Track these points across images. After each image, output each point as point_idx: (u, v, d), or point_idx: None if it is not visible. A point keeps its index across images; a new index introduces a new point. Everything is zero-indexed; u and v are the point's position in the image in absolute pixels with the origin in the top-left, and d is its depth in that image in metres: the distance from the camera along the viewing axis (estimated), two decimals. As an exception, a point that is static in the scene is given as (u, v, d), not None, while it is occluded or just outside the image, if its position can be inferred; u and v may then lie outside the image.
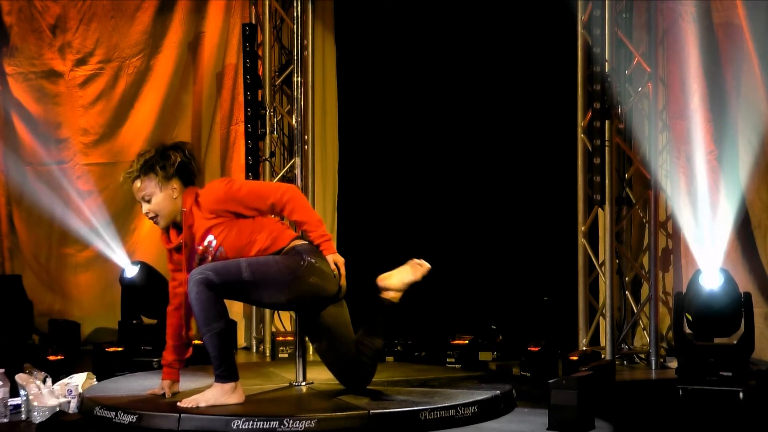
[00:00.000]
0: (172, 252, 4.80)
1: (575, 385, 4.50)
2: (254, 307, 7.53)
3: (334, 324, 4.79)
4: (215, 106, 7.86)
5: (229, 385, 4.59)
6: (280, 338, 7.03)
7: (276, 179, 7.46)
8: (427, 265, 4.90)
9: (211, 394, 4.58)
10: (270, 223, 4.73)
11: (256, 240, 4.64)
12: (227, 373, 4.60)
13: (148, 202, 4.70)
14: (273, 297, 4.64)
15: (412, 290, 4.90)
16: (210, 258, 4.66)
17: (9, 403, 4.75)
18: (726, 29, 6.25)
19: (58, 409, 4.63)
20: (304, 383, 5.13)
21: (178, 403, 4.55)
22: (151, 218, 4.74)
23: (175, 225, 4.75)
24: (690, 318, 5.55)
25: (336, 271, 4.66)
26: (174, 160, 4.67)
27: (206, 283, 4.49)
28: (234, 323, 7.53)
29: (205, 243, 4.65)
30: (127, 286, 6.88)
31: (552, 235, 7.14)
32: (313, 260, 4.63)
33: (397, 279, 4.88)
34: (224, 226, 4.62)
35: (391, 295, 4.88)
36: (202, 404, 4.53)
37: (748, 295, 5.53)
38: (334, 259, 4.66)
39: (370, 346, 4.85)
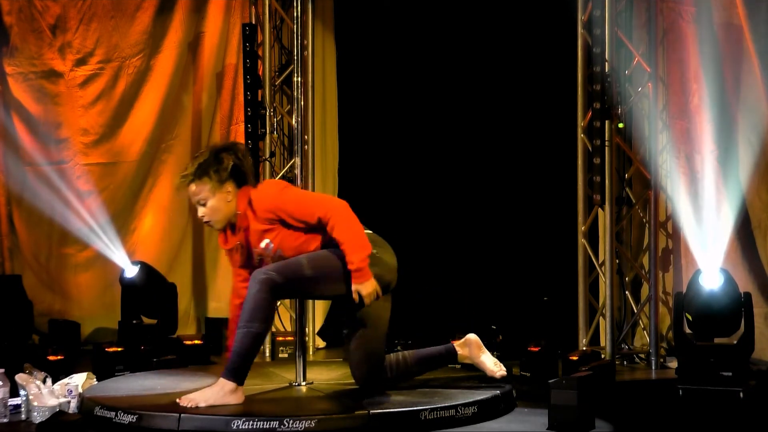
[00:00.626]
0: (231, 251, 4.83)
1: (575, 385, 4.50)
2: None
3: (376, 316, 4.80)
4: (215, 106, 7.85)
5: (231, 385, 4.59)
6: (280, 338, 7.03)
7: (276, 179, 7.46)
8: (504, 372, 5.04)
9: (211, 392, 4.58)
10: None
11: (316, 235, 4.69)
12: (237, 373, 4.60)
13: (203, 205, 4.72)
14: (335, 289, 4.70)
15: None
16: (269, 259, 4.72)
17: (9, 403, 4.75)
18: (726, 29, 6.25)
19: (58, 409, 4.63)
20: (304, 383, 5.13)
21: (178, 400, 4.55)
22: (206, 222, 4.77)
23: (231, 225, 4.78)
24: (690, 318, 5.55)
25: (356, 299, 4.65)
26: (227, 164, 4.69)
27: (270, 284, 4.55)
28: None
29: (262, 245, 4.72)
30: (127, 286, 6.88)
31: (552, 235, 7.14)
32: (374, 251, 4.69)
33: (487, 358, 5.03)
34: (279, 230, 4.69)
35: (463, 355, 5.02)
36: (202, 404, 4.53)
37: (748, 295, 5.53)
38: (357, 288, 4.63)
39: (404, 369, 4.91)
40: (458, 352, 5.06)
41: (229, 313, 5.07)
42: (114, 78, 7.73)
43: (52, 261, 7.78)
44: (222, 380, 4.61)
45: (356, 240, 4.62)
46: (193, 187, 4.71)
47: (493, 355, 6.59)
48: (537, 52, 7.16)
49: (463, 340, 5.09)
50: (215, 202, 4.69)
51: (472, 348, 5.06)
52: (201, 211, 4.73)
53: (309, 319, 7.33)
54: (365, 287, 4.63)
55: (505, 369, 5.10)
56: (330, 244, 4.70)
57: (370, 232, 4.83)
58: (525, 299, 6.90)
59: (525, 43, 7.21)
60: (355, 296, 4.64)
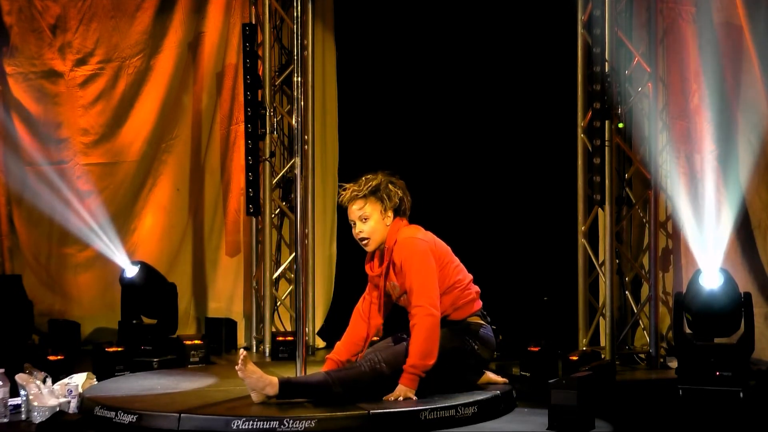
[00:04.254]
0: (374, 278, 5.02)
1: (575, 385, 4.51)
2: (254, 307, 7.54)
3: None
4: (215, 106, 7.85)
5: (273, 392, 4.65)
6: (280, 338, 7.03)
7: (276, 179, 7.46)
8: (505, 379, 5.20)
9: (259, 380, 4.63)
10: (457, 288, 4.94)
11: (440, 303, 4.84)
12: (288, 391, 4.68)
13: (365, 222, 4.89)
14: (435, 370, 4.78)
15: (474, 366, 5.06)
16: (393, 297, 4.98)
17: (9, 403, 4.75)
18: (726, 29, 6.25)
19: (58, 409, 4.63)
20: (304, 383, 5.12)
21: (243, 351, 4.62)
22: (362, 239, 4.94)
23: (380, 253, 4.98)
24: (690, 318, 5.55)
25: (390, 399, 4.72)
26: (396, 194, 4.94)
27: (377, 372, 4.75)
28: (234, 323, 7.58)
29: (392, 284, 4.93)
30: (127, 286, 6.88)
31: (552, 235, 7.14)
32: (476, 347, 4.92)
33: (490, 375, 5.16)
34: None
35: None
36: (241, 374, 4.61)
37: (748, 295, 5.53)
38: (402, 388, 4.70)
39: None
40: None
41: (349, 325, 5.17)
42: (114, 78, 7.73)
43: (52, 261, 7.78)
44: (275, 382, 4.66)
45: (425, 349, 4.71)
46: (361, 203, 4.91)
47: (493, 355, 6.64)
48: (537, 52, 7.16)
49: None
50: (377, 224, 4.90)
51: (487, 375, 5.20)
52: (360, 227, 4.92)
53: (309, 319, 7.33)
54: (406, 392, 4.71)
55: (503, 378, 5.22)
56: (450, 318, 4.89)
57: (486, 326, 5.01)
58: (525, 299, 6.89)
59: (525, 43, 7.20)
60: (395, 393, 4.71)
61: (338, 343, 5.15)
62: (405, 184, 5.06)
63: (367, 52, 7.64)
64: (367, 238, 4.91)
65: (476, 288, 5.06)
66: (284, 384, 4.68)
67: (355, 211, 4.92)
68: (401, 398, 4.67)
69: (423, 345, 4.70)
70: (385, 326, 5.17)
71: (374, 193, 4.91)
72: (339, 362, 5.03)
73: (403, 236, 4.88)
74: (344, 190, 4.99)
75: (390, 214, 4.91)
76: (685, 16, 6.49)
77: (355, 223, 4.94)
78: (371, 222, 4.89)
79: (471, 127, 7.43)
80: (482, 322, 5.00)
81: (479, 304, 5.03)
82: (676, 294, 5.78)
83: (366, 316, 5.09)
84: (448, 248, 5.04)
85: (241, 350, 4.69)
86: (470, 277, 5.06)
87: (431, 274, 4.78)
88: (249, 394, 4.69)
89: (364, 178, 5.01)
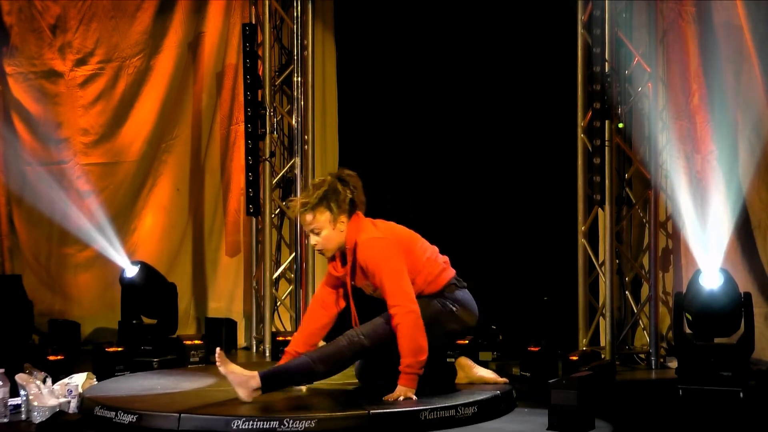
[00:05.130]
0: (340, 277, 4.99)
1: (575, 385, 4.50)
2: (254, 307, 7.54)
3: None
4: (215, 106, 7.86)
5: (257, 384, 4.63)
6: (280, 338, 7.03)
7: (276, 179, 7.46)
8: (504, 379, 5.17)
9: (241, 374, 4.62)
10: (426, 266, 4.91)
11: (416, 281, 4.83)
12: (271, 382, 4.68)
13: (317, 234, 4.84)
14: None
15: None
16: (367, 292, 4.94)
17: (9, 403, 4.74)
18: (726, 29, 6.25)
19: (58, 409, 4.63)
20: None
21: (218, 350, 4.62)
22: (318, 250, 4.92)
23: (341, 254, 4.93)
24: (690, 318, 5.55)
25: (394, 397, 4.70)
26: (344, 197, 4.83)
27: (358, 346, 4.76)
28: (234, 323, 7.57)
29: (365, 284, 4.91)
30: (127, 286, 6.88)
31: (552, 235, 7.13)
32: (455, 308, 4.91)
33: (483, 371, 5.17)
34: None
35: (460, 376, 5.15)
36: (223, 370, 4.61)
37: (748, 295, 5.53)
38: (398, 392, 4.67)
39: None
40: (457, 374, 5.17)
41: (304, 316, 5.18)
42: (114, 78, 7.73)
43: (52, 261, 7.78)
44: (256, 375, 4.65)
45: (415, 346, 4.69)
46: (310, 216, 4.82)
47: (493, 354, 6.65)
48: (537, 52, 7.16)
49: (456, 362, 5.21)
50: (330, 233, 4.83)
51: (464, 369, 5.17)
52: (314, 239, 4.87)
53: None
54: (406, 392, 4.69)
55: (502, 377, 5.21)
56: (425, 293, 4.88)
57: (463, 289, 5.00)
58: (525, 299, 6.89)
59: (525, 43, 7.20)
60: (396, 393, 4.68)
61: (295, 334, 5.13)
62: (357, 177, 4.96)
63: (367, 52, 7.64)
64: (322, 249, 4.88)
65: (444, 258, 5.03)
66: (266, 374, 4.67)
67: (306, 223, 4.85)
68: (401, 398, 4.67)
69: (412, 342, 4.68)
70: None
71: (321, 203, 4.80)
72: (297, 354, 4.97)
73: (363, 239, 4.81)
74: (291, 202, 4.95)
75: (342, 218, 4.81)
76: (685, 16, 6.49)
77: (308, 234, 4.90)
78: (324, 232, 4.82)
79: (471, 127, 7.42)
80: (457, 284, 4.98)
81: (452, 272, 5.00)
82: (676, 294, 5.78)
83: (326, 305, 5.04)
84: (408, 231, 5.01)
85: (217, 348, 4.66)
86: (436, 249, 5.02)
87: (400, 270, 4.75)
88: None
89: (311, 186, 4.92)
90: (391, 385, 4.70)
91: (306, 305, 7.14)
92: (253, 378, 4.64)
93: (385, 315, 4.79)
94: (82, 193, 7.62)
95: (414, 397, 4.67)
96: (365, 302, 5.02)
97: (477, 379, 5.13)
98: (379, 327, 4.79)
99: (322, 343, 5.07)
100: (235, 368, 4.66)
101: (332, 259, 4.98)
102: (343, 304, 5.07)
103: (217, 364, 4.63)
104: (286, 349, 5.06)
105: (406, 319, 4.68)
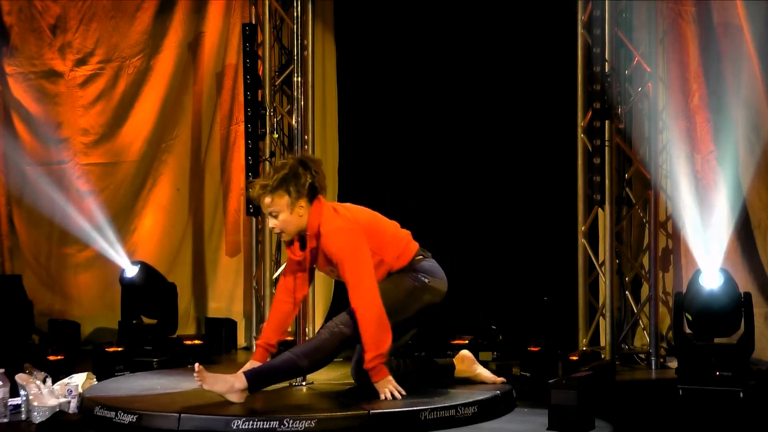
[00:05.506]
0: (297, 262, 4.96)
1: (575, 385, 4.50)
2: (254, 307, 7.54)
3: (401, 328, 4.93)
4: (215, 106, 7.85)
5: (243, 385, 4.63)
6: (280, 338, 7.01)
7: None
8: (502, 378, 5.20)
9: (224, 381, 4.62)
10: (393, 242, 4.92)
11: (380, 262, 4.84)
12: (257, 381, 4.68)
13: (275, 217, 4.82)
14: (399, 318, 4.82)
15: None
16: (333, 275, 4.94)
17: (9, 403, 4.75)
18: (726, 29, 6.25)
19: (58, 409, 4.63)
20: (304, 383, 5.13)
21: (196, 366, 4.61)
22: (277, 233, 4.90)
23: (300, 238, 4.91)
24: (690, 318, 5.55)
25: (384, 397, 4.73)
26: (305, 181, 4.80)
27: (341, 337, 4.73)
28: (234, 323, 7.57)
29: (327, 269, 4.91)
30: (127, 286, 6.88)
31: (552, 235, 7.14)
32: (427, 280, 4.91)
33: (482, 370, 5.18)
34: None
35: (460, 369, 5.16)
36: (206, 386, 4.60)
37: (748, 295, 5.53)
38: (379, 391, 4.70)
39: (402, 373, 4.91)
40: (456, 368, 5.17)
41: (270, 307, 5.21)
42: (114, 78, 7.73)
43: (52, 261, 7.78)
44: (241, 376, 4.65)
45: (377, 338, 4.68)
46: (268, 199, 4.80)
47: (492, 355, 6.65)
48: (537, 53, 7.16)
49: (458, 356, 5.21)
50: (288, 216, 4.80)
51: (466, 363, 5.18)
52: (272, 222, 4.84)
53: (309, 319, 7.32)
54: (380, 385, 4.72)
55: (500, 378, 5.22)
56: (394, 269, 4.88)
57: (429, 258, 5.00)
58: (525, 299, 6.89)
59: (525, 43, 7.20)
60: (380, 393, 4.70)
61: (265, 325, 5.12)
62: (320, 163, 4.97)
63: (367, 52, 7.64)
64: (280, 231, 4.84)
65: (406, 231, 5.04)
66: (251, 374, 4.67)
67: (264, 206, 4.81)
68: (388, 394, 4.67)
69: (374, 336, 4.67)
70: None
71: (281, 186, 4.77)
72: (269, 346, 4.97)
73: (327, 229, 4.79)
74: (252, 183, 4.91)
75: (302, 203, 4.77)
76: (685, 16, 6.49)
77: (267, 217, 4.87)
78: (282, 216, 4.79)
79: (471, 127, 7.43)
80: (424, 255, 4.99)
81: (416, 244, 5.01)
82: (676, 294, 5.78)
83: (291, 292, 5.02)
84: (369, 211, 5.01)
85: (196, 364, 4.64)
86: (397, 224, 5.04)
87: (364, 261, 4.74)
88: (250, 394, 4.69)
89: (272, 168, 4.92)
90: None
91: (306, 305, 7.13)
92: (239, 380, 4.64)
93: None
94: (82, 193, 7.62)
95: (398, 390, 4.68)
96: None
97: (474, 376, 5.14)
98: (352, 312, 4.76)
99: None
100: (217, 380, 4.63)
101: (290, 243, 4.94)
102: (306, 289, 5.07)
103: (197, 381, 4.61)
104: (257, 342, 5.04)
105: (369, 313, 4.68)
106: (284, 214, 4.79)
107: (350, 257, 4.75)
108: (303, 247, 4.90)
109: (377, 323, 4.69)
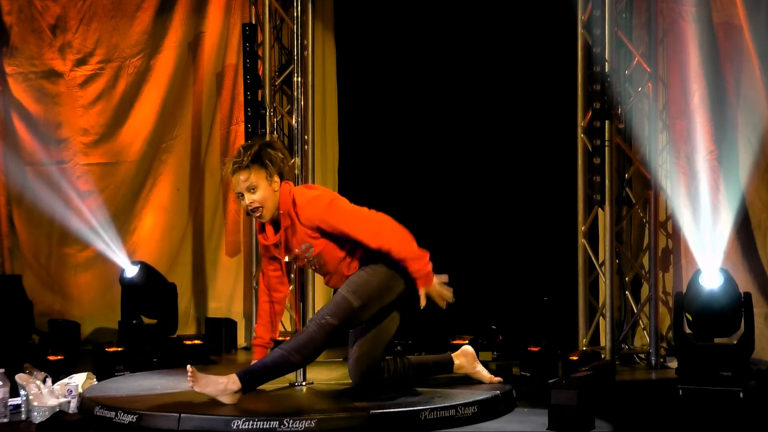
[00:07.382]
0: (269, 247, 4.92)
1: (575, 385, 4.50)
2: (254, 307, 7.53)
3: (385, 324, 4.91)
4: (215, 106, 7.86)
5: (237, 386, 4.62)
6: (280, 338, 7.00)
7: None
8: (500, 378, 5.20)
9: (215, 383, 4.61)
10: None
11: (357, 249, 4.81)
12: (250, 381, 4.67)
13: (252, 192, 4.75)
14: (383, 305, 4.84)
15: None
16: (305, 260, 4.87)
17: (9, 403, 4.74)
18: (726, 29, 6.25)
19: (58, 409, 4.63)
20: (304, 383, 5.13)
21: (189, 368, 4.60)
22: (254, 209, 4.78)
23: (274, 221, 4.85)
24: (690, 318, 5.55)
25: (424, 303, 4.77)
26: (277, 157, 4.79)
27: (328, 329, 4.71)
28: (234, 323, 7.58)
29: (302, 248, 4.83)
30: (127, 286, 6.89)
31: (552, 235, 7.14)
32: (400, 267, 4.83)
33: (482, 368, 5.18)
34: (323, 240, 4.80)
35: (459, 365, 5.15)
36: (197, 389, 4.60)
37: (748, 295, 5.53)
38: (422, 295, 4.76)
39: (402, 372, 4.97)
40: (455, 362, 5.16)
41: (257, 308, 5.16)
42: (114, 78, 7.73)
43: (52, 261, 7.78)
44: (234, 378, 4.64)
45: (412, 254, 4.76)
46: (246, 173, 4.74)
47: (493, 354, 6.65)
48: (537, 52, 7.16)
49: (459, 351, 5.21)
50: (265, 191, 4.75)
51: (467, 359, 5.18)
52: (250, 198, 4.75)
53: (309, 319, 7.32)
54: (431, 290, 4.78)
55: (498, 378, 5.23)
56: (370, 254, 4.81)
57: None
58: (525, 299, 6.90)
59: (525, 43, 7.21)
60: (423, 300, 4.75)
61: (256, 326, 5.12)
62: (282, 145, 4.98)
63: (367, 52, 7.65)
64: (259, 207, 4.75)
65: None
66: (244, 374, 4.66)
67: (241, 182, 4.74)
68: (433, 294, 4.74)
69: (410, 253, 4.73)
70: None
71: (256, 160, 4.73)
72: (266, 344, 5.00)
73: (303, 200, 4.78)
74: (225, 163, 4.86)
75: (276, 178, 4.74)
76: (685, 16, 6.49)
77: (243, 195, 4.77)
78: (260, 191, 4.73)
79: (471, 127, 7.43)
80: None
81: None
82: (676, 294, 5.78)
83: (273, 288, 5.03)
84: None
85: (188, 366, 4.64)
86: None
87: (358, 211, 4.77)
88: (250, 394, 4.69)
89: (241, 148, 4.85)
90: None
91: (306, 306, 7.15)
92: (232, 381, 4.62)
93: (341, 291, 4.79)
94: (82, 193, 7.62)
95: (443, 289, 4.77)
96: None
97: (473, 373, 5.14)
98: (341, 303, 4.75)
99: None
100: (209, 382, 4.62)
101: (262, 229, 4.91)
102: (286, 287, 5.08)
103: (190, 384, 4.60)
104: (253, 342, 5.07)
105: (394, 240, 4.72)
106: (262, 188, 4.74)
107: (343, 214, 4.75)
108: (277, 230, 4.84)
109: (405, 244, 4.74)
